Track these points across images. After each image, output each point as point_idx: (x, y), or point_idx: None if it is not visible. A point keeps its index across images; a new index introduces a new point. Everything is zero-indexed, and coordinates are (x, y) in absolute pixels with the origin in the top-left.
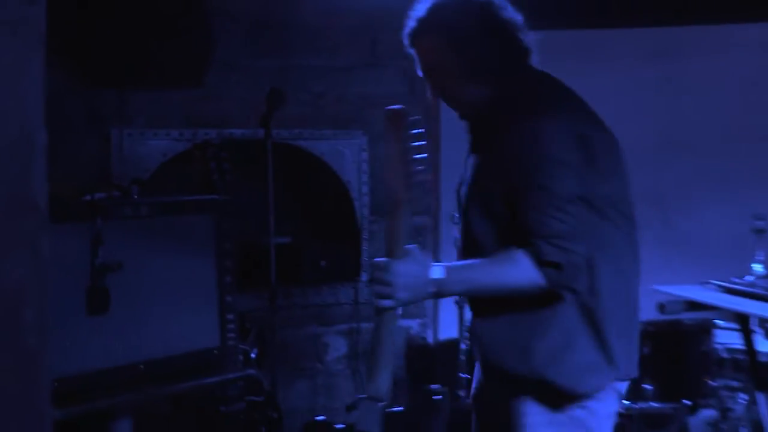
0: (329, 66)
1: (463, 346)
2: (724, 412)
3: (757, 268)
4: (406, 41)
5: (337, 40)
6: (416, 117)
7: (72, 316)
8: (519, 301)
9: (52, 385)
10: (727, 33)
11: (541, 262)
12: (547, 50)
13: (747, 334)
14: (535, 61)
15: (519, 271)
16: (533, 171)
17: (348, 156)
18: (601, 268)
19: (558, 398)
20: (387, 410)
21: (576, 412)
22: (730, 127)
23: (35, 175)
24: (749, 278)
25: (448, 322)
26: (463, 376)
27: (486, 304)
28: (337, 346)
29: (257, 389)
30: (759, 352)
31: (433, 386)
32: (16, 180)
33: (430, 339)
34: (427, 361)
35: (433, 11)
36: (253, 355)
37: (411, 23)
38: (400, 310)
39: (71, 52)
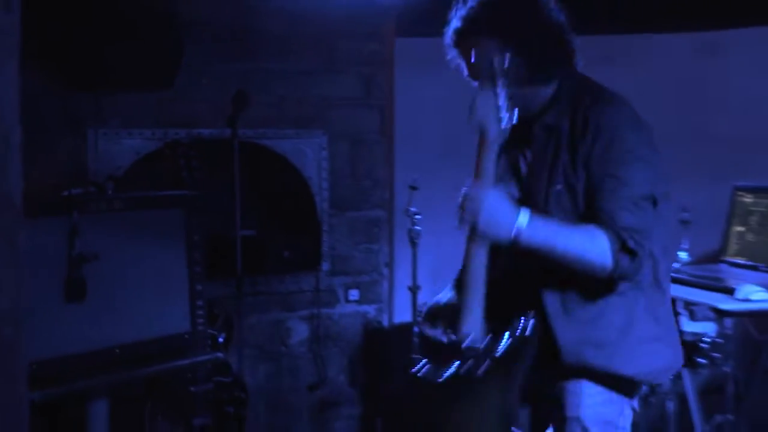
0: (291, 70)
1: (415, 329)
2: (652, 387)
3: (683, 255)
4: (450, 41)
5: (299, 46)
6: (504, 55)
7: (51, 304)
8: (588, 297)
9: (31, 369)
10: (660, 42)
11: (620, 248)
12: None
13: (674, 315)
14: None
15: (595, 247)
16: (619, 163)
17: (309, 154)
18: (660, 262)
19: (632, 388)
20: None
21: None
22: (662, 128)
23: (11, 173)
24: (676, 265)
25: (402, 308)
26: (416, 356)
27: (559, 302)
28: (300, 331)
29: (225, 371)
30: (684, 332)
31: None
32: None
33: (385, 323)
34: (382, 343)
35: (486, 11)
36: (220, 339)
37: (459, 23)
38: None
39: (50, 57)
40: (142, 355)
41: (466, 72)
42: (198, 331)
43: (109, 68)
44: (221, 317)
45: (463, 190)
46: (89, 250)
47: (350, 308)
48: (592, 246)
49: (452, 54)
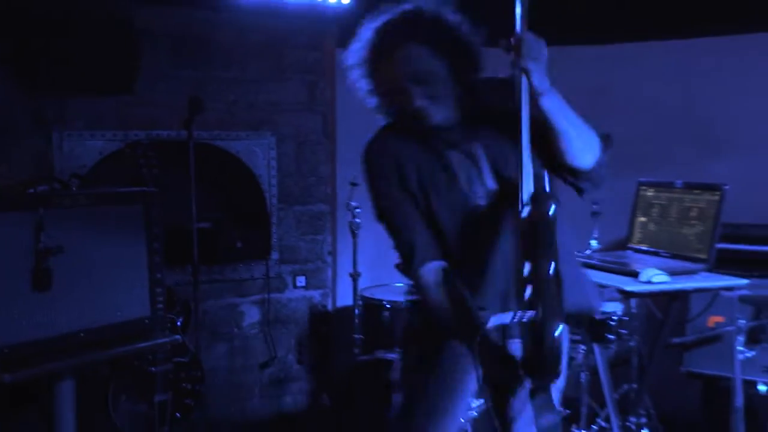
0: (241, 77)
1: (357, 312)
2: (570, 360)
3: (594, 243)
4: (370, 52)
5: (249, 56)
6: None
7: (19, 293)
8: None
9: (1, 353)
10: (570, 53)
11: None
12: None
13: None
14: None
15: (591, 133)
16: None
17: (259, 154)
18: None
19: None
20: None
21: None
22: None
23: None
24: (588, 252)
25: (345, 293)
26: (358, 336)
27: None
28: (251, 314)
29: (183, 352)
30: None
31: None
32: None
33: (329, 306)
34: (327, 324)
35: (426, 21)
36: (179, 323)
37: (402, 28)
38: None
39: (18, 65)
40: (105, 339)
41: (372, 88)
42: (158, 315)
43: (72, 74)
44: (179, 302)
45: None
46: (55, 243)
47: (298, 293)
48: (589, 130)
49: (360, 71)
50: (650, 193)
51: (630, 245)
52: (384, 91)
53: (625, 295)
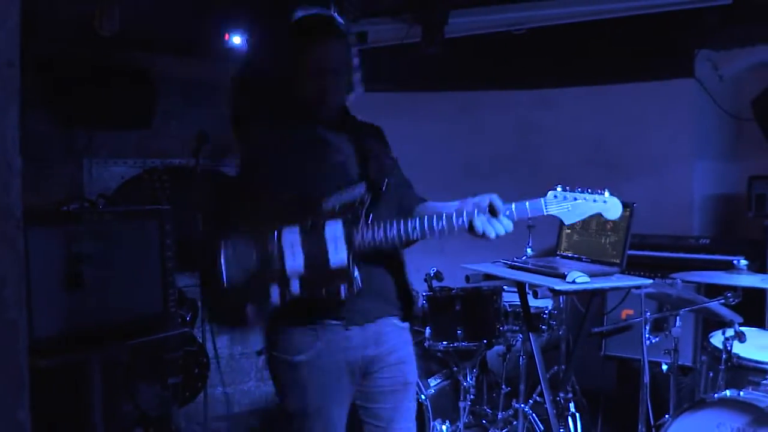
0: None
1: None
2: (509, 347)
3: (529, 251)
4: (326, 31)
5: None
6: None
7: (54, 293)
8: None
9: (39, 342)
10: (507, 96)
11: None
12: (389, 106)
13: (522, 295)
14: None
15: None
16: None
17: None
18: None
19: None
20: None
21: None
22: (508, 160)
23: (12, 192)
24: (524, 258)
25: None
26: None
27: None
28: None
29: (191, 342)
30: (530, 307)
31: None
32: None
33: None
34: None
35: (338, 23)
36: (188, 318)
37: (334, 22)
38: None
39: (55, 104)
40: (126, 331)
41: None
42: (170, 311)
43: (100, 113)
44: (188, 301)
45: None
46: (84, 251)
47: None
48: None
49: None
50: None
51: (558, 252)
52: (303, 73)
53: (555, 293)
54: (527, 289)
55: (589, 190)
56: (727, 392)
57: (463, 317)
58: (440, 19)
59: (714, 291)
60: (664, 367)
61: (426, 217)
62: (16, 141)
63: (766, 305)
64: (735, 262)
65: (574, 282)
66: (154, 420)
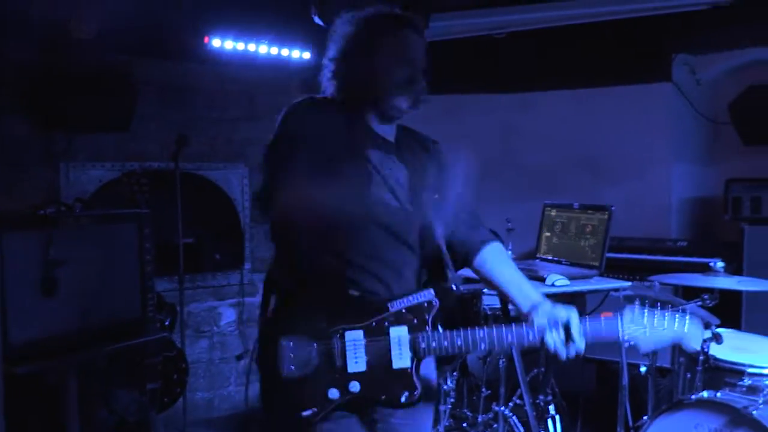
0: (221, 118)
1: None
2: (489, 350)
3: (509, 253)
4: (410, 26)
5: (226, 99)
6: None
7: (30, 298)
8: None
9: (16, 348)
10: (489, 100)
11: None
12: None
13: (502, 298)
14: None
15: None
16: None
17: (234, 181)
18: None
19: None
20: None
21: None
22: (491, 159)
23: None
24: None
25: None
26: None
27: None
28: (228, 315)
29: (170, 347)
30: (509, 309)
31: None
32: None
33: None
34: None
35: (417, 19)
36: (167, 323)
37: (401, 18)
38: None
39: (32, 108)
40: (104, 336)
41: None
42: (149, 316)
43: (79, 115)
44: (167, 306)
45: None
46: (61, 256)
47: None
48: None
49: (351, 52)
50: (553, 213)
51: (538, 255)
52: (386, 64)
53: None
54: None
55: (670, 308)
56: (705, 393)
57: (447, 320)
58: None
59: (691, 293)
60: (643, 369)
61: (495, 330)
62: None
63: (743, 307)
64: (712, 264)
65: (553, 285)
66: (132, 426)
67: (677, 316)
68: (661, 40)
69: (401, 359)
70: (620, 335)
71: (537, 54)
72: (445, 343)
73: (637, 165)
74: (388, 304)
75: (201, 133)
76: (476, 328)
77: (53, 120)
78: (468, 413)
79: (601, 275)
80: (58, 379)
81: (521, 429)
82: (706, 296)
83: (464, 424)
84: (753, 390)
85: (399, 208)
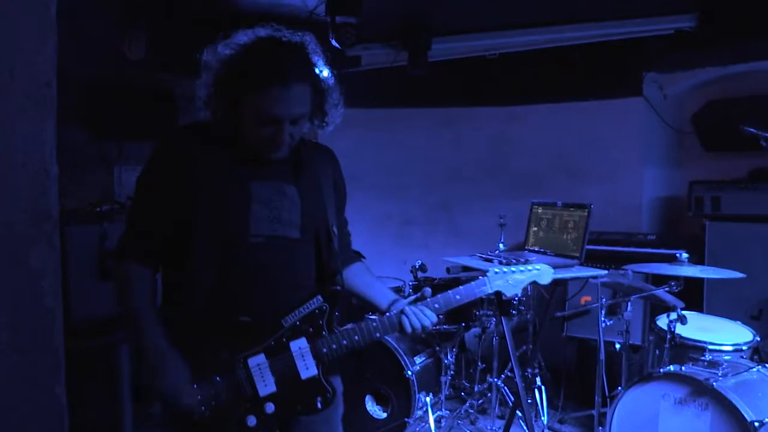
0: None
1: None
2: (484, 329)
3: (501, 246)
4: (274, 76)
5: None
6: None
7: (89, 282)
8: None
9: (76, 326)
10: (482, 113)
11: None
12: (380, 121)
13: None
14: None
15: None
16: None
17: None
18: None
19: None
20: None
21: None
22: (485, 164)
23: (50, 195)
24: (496, 251)
25: None
26: None
27: None
28: None
29: None
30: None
31: None
32: (37, 198)
33: None
34: None
35: (306, 57)
36: None
37: (287, 62)
38: None
39: (89, 120)
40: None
41: (228, 108)
42: None
43: (129, 126)
44: None
45: None
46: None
47: None
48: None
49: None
50: (540, 210)
51: (526, 247)
52: (250, 118)
53: None
54: None
55: (523, 261)
56: (671, 367)
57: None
58: (424, 45)
59: (660, 280)
60: (617, 346)
61: (369, 322)
62: (54, 151)
63: (705, 292)
64: (678, 255)
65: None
66: None
67: (529, 266)
68: (633, 60)
69: (308, 369)
70: (489, 288)
71: (525, 72)
72: (345, 341)
73: (613, 169)
74: (282, 321)
75: None
76: (364, 320)
77: (107, 129)
78: (466, 384)
79: (581, 264)
80: (113, 356)
81: (512, 398)
82: (672, 283)
83: (462, 393)
84: (713, 364)
85: (280, 236)
